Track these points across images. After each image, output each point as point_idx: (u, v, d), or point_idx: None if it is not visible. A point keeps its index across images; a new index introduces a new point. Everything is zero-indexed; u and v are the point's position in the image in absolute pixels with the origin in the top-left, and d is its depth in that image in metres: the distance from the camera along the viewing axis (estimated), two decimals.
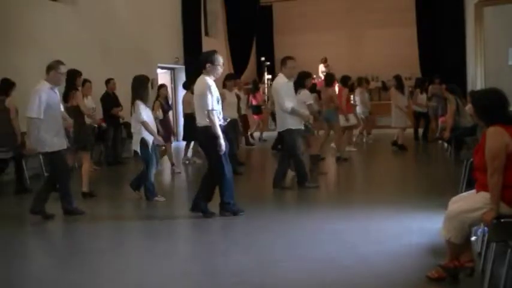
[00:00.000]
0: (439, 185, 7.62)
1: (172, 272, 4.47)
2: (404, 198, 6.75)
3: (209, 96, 5.74)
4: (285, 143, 7.74)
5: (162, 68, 14.87)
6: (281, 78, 7.47)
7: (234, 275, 4.24)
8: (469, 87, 13.57)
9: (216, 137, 5.72)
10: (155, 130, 7.20)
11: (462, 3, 14.97)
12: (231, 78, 10.00)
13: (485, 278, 3.56)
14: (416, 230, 5.21)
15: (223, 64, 6.06)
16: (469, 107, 10.52)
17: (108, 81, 10.73)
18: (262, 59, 18.02)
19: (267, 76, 17.90)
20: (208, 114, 5.72)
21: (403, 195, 7.07)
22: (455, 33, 14.97)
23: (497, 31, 12.23)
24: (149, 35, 13.57)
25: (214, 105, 5.79)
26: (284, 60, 7.48)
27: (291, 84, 7.53)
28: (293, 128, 7.39)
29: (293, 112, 7.33)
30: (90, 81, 9.30)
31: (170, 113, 10.11)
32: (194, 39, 15.36)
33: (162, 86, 9.99)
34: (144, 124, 6.92)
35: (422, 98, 12.87)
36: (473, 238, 4.24)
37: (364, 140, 13.46)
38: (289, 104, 7.28)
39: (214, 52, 6.00)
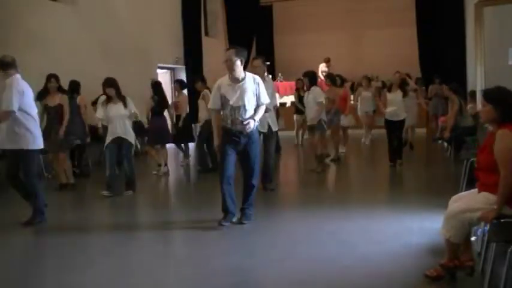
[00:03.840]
0: (439, 184, 7.62)
1: (172, 272, 4.47)
2: (404, 198, 6.75)
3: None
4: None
5: (162, 68, 14.87)
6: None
7: (234, 275, 4.24)
8: (469, 87, 13.57)
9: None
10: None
11: (462, 3, 14.97)
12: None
13: (485, 278, 3.56)
14: (416, 230, 5.21)
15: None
16: (470, 107, 10.54)
17: None
18: None
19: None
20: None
21: (403, 195, 7.07)
22: (455, 33, 14.97)
23: (497, 31, 12.23)
24: (149, 35, 13.56)
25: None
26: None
27: None
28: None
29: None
30: None
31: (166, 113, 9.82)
32: (194, 39, 15.37)
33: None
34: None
35: (392, 99, 9.13)
36: (473, 238, 4.23)
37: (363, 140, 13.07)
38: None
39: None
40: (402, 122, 9.29)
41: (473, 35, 13.10)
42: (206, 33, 17.25)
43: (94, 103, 10.48)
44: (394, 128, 9.18)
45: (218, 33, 18.18)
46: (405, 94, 9.24)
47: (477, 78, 12.88)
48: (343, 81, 11.55)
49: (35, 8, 9.97)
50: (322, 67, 17.57)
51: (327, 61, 17.63)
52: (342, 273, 4.13)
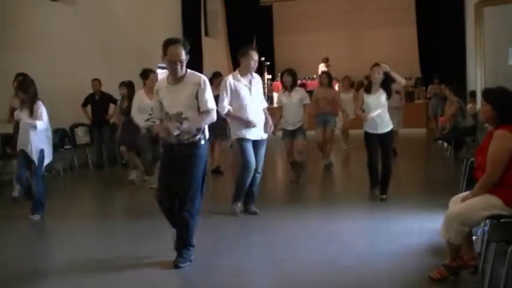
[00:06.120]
0: (439, 184, 7.62)
1: (172, 271, 4.46)
2: (404, 198, 6.74)
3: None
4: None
5: (162, 68, 14.85)
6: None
7: (234, 275, 4.24)
8: (469, 87, 13.58)
9: None
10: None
11: (462, 3, 14.98)
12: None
13: (485, 278, 3.56)
14: (416, 230, 5.20)
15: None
16: (469, 107, 10.55)
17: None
18: (262, 59, 18.00)
19: (267, 76, 17.91)
20: None
21: (403, 195, 7.05)
22: (455, 33, 14.99)
23: (497, 31, 12.23)
24: (149, 35, 13.54)
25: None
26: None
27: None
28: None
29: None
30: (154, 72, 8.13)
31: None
32: (194, 39, 15.38)
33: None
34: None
35: (372, 102, 6.54)
36: (473, 238, 4.23)
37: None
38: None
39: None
40: (389, 134, 6.57)
41: (473, 35, 13.09)
42: (206, 33, 17.27)
43: None
44: (378, 143, 6.50)
45: (218, 33, 18.20)
46: (390, 95, 6.60)
47: (477, 78, 12.88)
48: (331, 80, 10.90)
49: (35, 8, 9.97)
50: (322, 67, 17.58)
51: (326, 61, 17.64)
52: (342, 274, 4.13)
